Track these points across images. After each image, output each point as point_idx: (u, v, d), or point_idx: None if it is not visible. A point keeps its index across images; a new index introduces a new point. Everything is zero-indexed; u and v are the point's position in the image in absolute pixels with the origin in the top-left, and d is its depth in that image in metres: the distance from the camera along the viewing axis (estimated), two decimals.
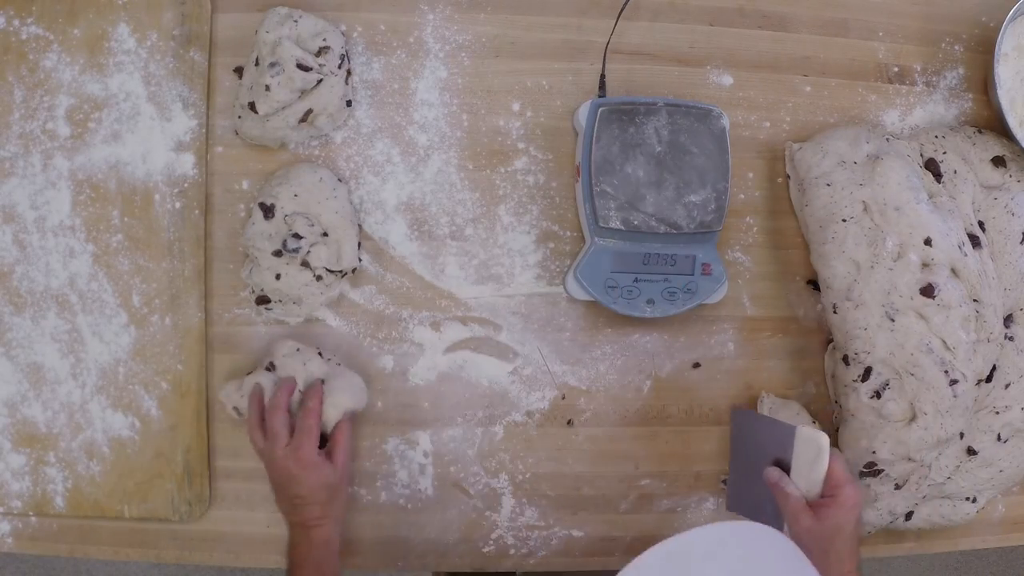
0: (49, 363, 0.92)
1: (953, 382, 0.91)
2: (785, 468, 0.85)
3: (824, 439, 0.82)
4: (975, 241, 0.96)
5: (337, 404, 0.90)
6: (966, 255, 0.93)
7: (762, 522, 0.78)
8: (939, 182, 0.98)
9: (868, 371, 0.93)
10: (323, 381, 0.90)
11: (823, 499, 0.82)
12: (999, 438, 0.98)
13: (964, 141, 1.01)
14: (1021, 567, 1.95)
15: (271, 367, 0.90)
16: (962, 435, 0.95)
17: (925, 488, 0.95)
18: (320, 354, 0.92)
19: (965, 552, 1.94)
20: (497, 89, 0.98)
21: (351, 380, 0.91)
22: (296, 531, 0.86)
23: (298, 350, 0.91)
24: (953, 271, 0.93)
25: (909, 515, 0.98)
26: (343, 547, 0.95)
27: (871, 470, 0.93)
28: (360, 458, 0.95)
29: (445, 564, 0.97)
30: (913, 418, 0.92)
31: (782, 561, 0.68)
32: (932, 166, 0.98)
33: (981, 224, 0.98)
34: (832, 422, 1.00)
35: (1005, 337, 0.97)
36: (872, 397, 0.93)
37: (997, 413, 0.97)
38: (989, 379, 0.97)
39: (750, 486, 0.90)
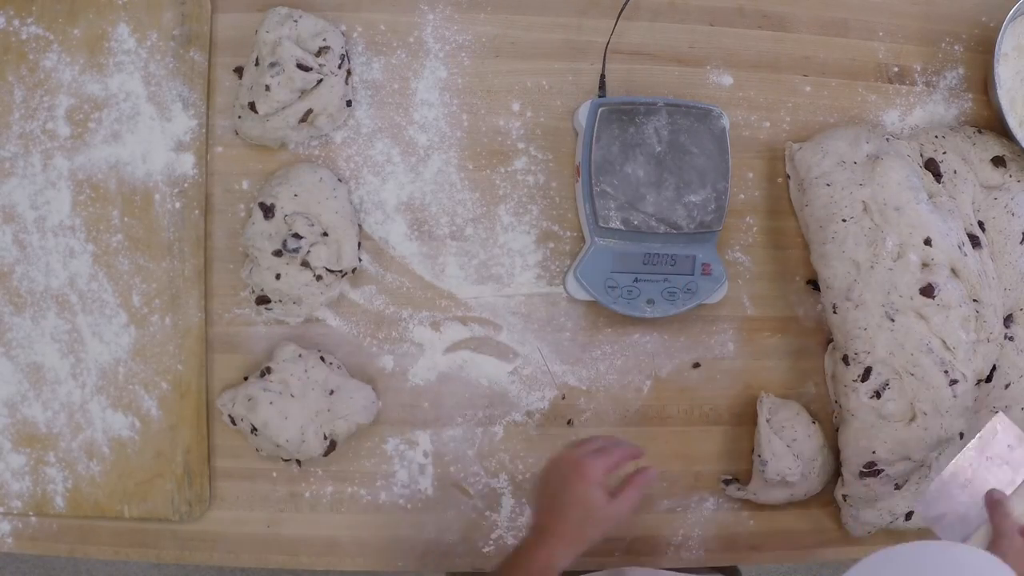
0: (49, 363, 0.92)
1: (953, 382, 0.91)
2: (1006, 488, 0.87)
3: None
4: (975, 241, 0.96)
5: (349, 418, 0.90)
6: (966, 255, 0.93)
7: (945, 529, 0.87)
8: (939, 182, 0.98)
9: (868, 371, 0.92)
10: (332, 392, 0.90)
11: None
12: None
13: (964, 141, 1.01)
14: None
15: (267, 371, 0.90)
16: (962, 435, 0.95)
17: (925, 488, 0.95)
18: (323, 358, 0.92)
19: None
20: (497, 89, 0.98)
21: (363, 393, 0.92)
22: (535, 535, 0.81)
23: (300, 355, 0.91)
24: (953, 271, 0.93)
25: (909, 515, 0.98)
26: (339, 546, 0.95)
27: (871, 470, 0.93)
28: (360, 458, 0.96)
29: (445, 564, 0.97)
30: (913, 418, 0.92)
31: None
32: (932, 166, 0.98)
33: (981, 224, 0.98)
34: (832, 422, 1.00)
35: (1005, 337, 0.97)
36: (872, 397, 0.93)
37: (997, 412, 0.97)
38: (989, 379, 0.97)
39: (956, 490, 0.89)
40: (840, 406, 0.97)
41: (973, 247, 0.95)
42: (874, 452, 0.93)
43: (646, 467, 0.86)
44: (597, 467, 0.82)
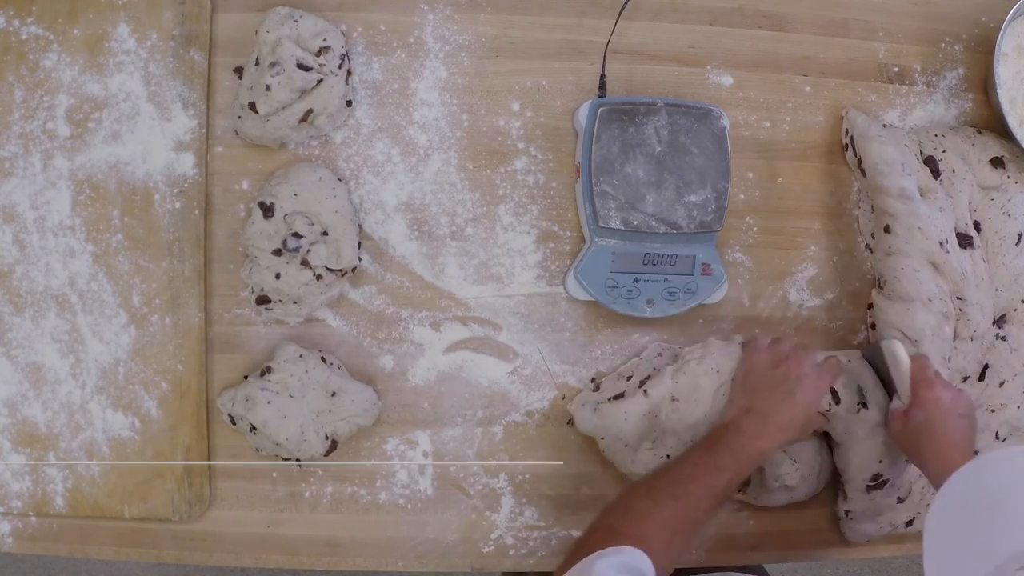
0: (49, 363, 0.92)
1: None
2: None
3: (897, 346, 0.90)
4: (967, 241, 0.96)
5: (350, 420, 0.91)
6: (948, 252, 0.93)
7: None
8: (937, 179, 0.98)
9: (861, 391, 0.92)
10: (334, 393, 0.90)
11: (911, 400, 0.88)
12: (997, 436, 0.98)
13: (964, 141, 1.01)
14: None
15: (267, 371, 0.90)
16: None
17: (929, 497, 0.95)
18: (324, 359, 0.92)
19: None
20: (497, 89, 0.98)
21: (365, 395, 0.92)
22: (752, 422, 0.86)
23: (300, 356, 0.91)
24: (933, 265, 0.93)
25: (910, 522, 0.97)
26: (339, 546, 0.95)
27: (877, 482, 0.93)
28: (360, 458, 0.96)
29: (445, 564, 0.97)
30: None
31: None
32: (931, 163, 0.98)
33: (977, 224, 0.98)
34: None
35: (997, 337, 0.98)
36: (863, 411, 0.93)
37: (993, 411, 0.98)
38: (982, 378, 0.97)
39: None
40: (835, 429, 0.96)
41: (963, 247, 0.95)
42: (880, 462, 0.92)
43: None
44: (810, 366, 0.89)
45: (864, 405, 0.92)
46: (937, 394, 0.86)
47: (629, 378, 0.95)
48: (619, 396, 0.93)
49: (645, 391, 0.92)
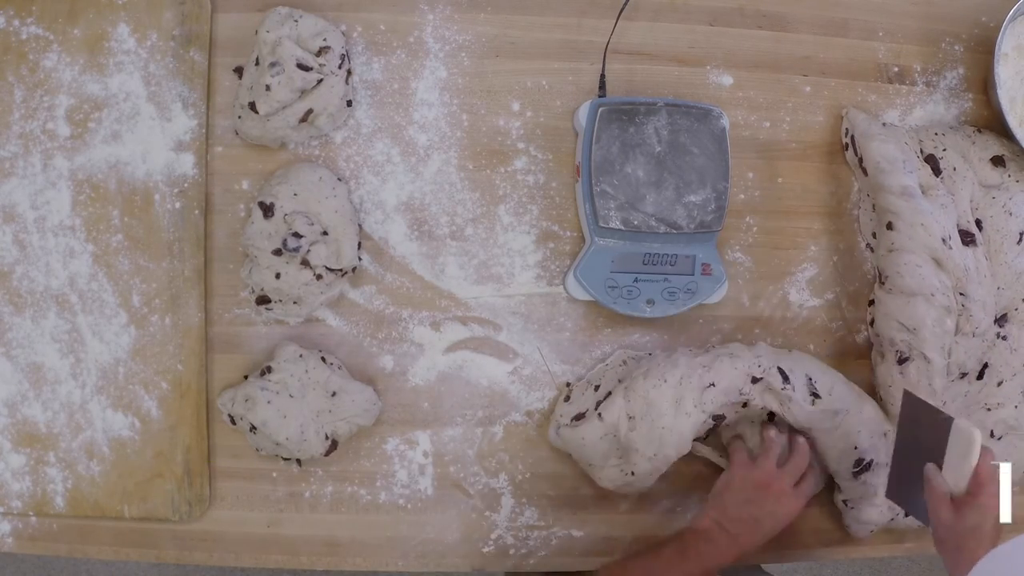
0: (49, 363, 0.92)
1: (903, 360, 0.94)
2: (941, 459, 0.84)
3: (976, 435, 0.81)
4: (969, 238, 0.96)
5: (350, 420, 0.91)
6: (951, 248, 0.93)
7: (913, 512, 0.88)
8: (938, 177, 0.98)
9: None
10: (334, 393, 0.90)
11: (967, 496, 0.82)
12: (992, 435, 0.98)
13: (964, 140, 1.01)
14: None
15: (268, 371, 0.90)
16: None
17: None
18: (324, 359, 0.92)
19: None
20: (497, 89, 0.98)
21: (365, 395, 0.92)
22: (723, 537, 0.89)
23: (300, 356, 0.91)
24: (936, 261, 0.93)
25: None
26: (339, 546, 0.95)
27: (861, 466, 0.93)
28: (360, 458, 0.96)
29: (445, 564, 0.97)
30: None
31: None
32: (931, 161, 0.99)
33: (979, 223, 0.98)
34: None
35: (998, 336, 0.98)
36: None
37: (989, 410, 0.98)
38: (981, 376, 0.97)
39: (909, 474, 0.88)
40: (798, 423, 0.95)
41: (966, 244, 0.95)
42: (856, 448, 0.92)
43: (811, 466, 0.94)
44: (789, 487, 0.91)
45: (816, 395, 0.92)
46: (995, 498, 0.82)
47: (597, 387, 0.95)
48: (581, 416, 0.93)
49: (599, 414, 0.91)
